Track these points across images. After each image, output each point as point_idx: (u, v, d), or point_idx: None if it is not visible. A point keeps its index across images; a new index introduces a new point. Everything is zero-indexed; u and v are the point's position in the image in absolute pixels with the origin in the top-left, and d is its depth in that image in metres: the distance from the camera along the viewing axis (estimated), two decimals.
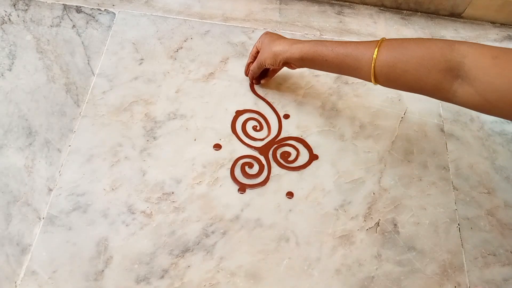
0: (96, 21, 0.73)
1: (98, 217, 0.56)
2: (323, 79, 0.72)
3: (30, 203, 0.56)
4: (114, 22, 0.73)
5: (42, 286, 0.51)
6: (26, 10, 0.72)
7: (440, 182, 0.65)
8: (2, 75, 0.66)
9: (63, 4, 0.74)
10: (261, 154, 0.64)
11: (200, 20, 0.76)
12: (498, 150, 0.69)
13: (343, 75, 0.71)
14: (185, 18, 0.76)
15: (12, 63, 0.67)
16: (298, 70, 0.68)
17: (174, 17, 0.76)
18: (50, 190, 0.57)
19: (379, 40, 0.52)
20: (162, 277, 0.53)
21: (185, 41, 0.73)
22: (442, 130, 0.70)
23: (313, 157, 0.64)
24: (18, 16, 0.72)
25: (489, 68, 0.44)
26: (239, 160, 0.62)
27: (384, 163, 0.65)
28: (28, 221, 0.55)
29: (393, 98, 0.72)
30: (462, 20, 0.85)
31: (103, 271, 0.53)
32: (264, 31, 0.76)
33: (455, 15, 0.85)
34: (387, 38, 0.53)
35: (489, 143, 0.70)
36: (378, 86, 0.55)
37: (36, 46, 0.69)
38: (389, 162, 0.65)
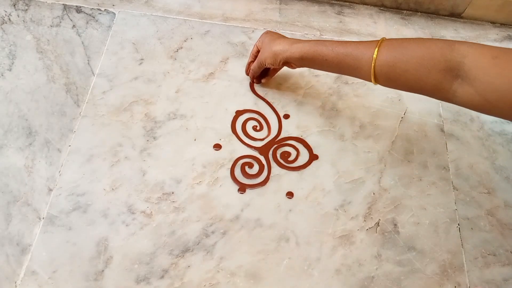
0: (96, 21, 0.73)
1: (98, 217, 0.56)
2: (323, 79, 0.72)
3: (30, 203, 0.56)
4: (114, 22, 0.73)
5: (42, 286, 0.51)
6: (26, 10, 0.72)
7: (440, 182, 0.65)
8: (2, 75, 0.66)
9: (63, 4, 0.74)
10: (261, 154, 0.64)
11: (200, 20, 0.76)
12: (498, 150, 0.69)
13: (343, 75, 0.71)
14: (185, 18, 0.76)
15: (12, 63, 0.67)
16: (298, 70, 0.68)
17: (174, 17, 0.76)
18: (50, 190, 0.57)
19: (379, 40, 0.52)
20: (162, 277, 0.53)
21: (185, 41, 0.73)
22: (442, 130, 0.70)
23: (313, 157, 0.64)
24: (18, 16, 0.72)
25: (489, 68, 0.44)
26: (239, 160, 0.62)
27: (384, 163, 0.65)
28: (28, 221, 0.55)
29: (393, 98, 0.72)
30: (462, 20, 0.85)
31: (103, 271, 0.53)
32: (264, 31, 0.76)
33: (455, 15, 0.85)
34: (387, 38, 0.53)
35: (489, 143, 0.70)
36: (378, 86, 0.55)
37: (36, 46, 0.69)
38: (389, 162, 0.65)
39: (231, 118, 0.66)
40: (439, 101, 0.70)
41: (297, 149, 0.65)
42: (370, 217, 0.61)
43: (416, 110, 0.71)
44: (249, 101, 0.68)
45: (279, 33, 0.65)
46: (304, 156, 0.64)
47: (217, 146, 0.63)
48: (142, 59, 0.70)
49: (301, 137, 0.66)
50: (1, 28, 0.70)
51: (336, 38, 0.78)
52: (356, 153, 0.66)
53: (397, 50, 0.50)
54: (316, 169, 0.63)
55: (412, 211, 0.62)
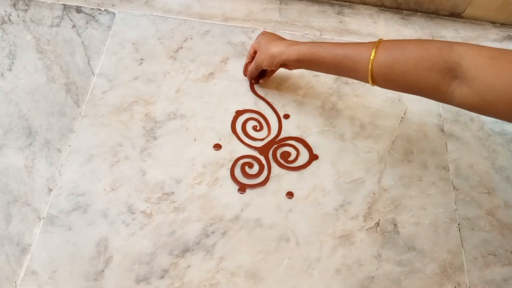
0: (96, 21, 0.73)
1: (98, 217, 0.56)
2: (323, 79, 0.72)
3: (30, 203, 0.56)
4: (114, 22, 0.73)
5: (42, 286, 0.51)
6: (26, 10, 0.72)
7: (440, 182, 0.65)
8: (2, 75, 0.66)
9: (63, 4, 0.74)
10: (261, 154, 0.64)
11: (200, 20, 0.76)
12: (498, 150, 0.69)
13: None
14: (185, 18, 0.76)
15: (12, 63, 0.67)
16: (298, 70, 0.68)
17: (174, 17, 0.76)
18: (50, 190, 0.57)
19: (376, 41, 0.52)
20: (162, 277, 0.53)
21: (185, 41, 0.73)
22: (442, 130, 0.70)
23: (313, 157, 0.64)
24: (18, 16, 0.72)
25: (487, 68, 0.44)
26: (239, 160, 0.62)
27: (384, 163, 0.65)
28: (28, 221, 0.55)
29: (393, 98, 0.72)
30: (462, 20, 0.85)
31: (103, 271, 0.53)
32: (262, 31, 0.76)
33: (455, 15, 0.85)
34: (386, 38, 0.52)
35: (489, 143, 0.70)
36: None
37: (36, 46, 0.69)
38: (389, 162, 0.65)
39: (231, 118, 0.66)
40: None
41: (297, 149, 0.65)
42: (370, 217, 0.61)
43: (416, 110, 0.71)
44: (249, 101, 0.68)
45: (276, 33, 0.65)
46: (304, 156, 0.64)
47: (217, 146, 0.63)
48: (142, 59, 0.70)
49: (301, 137, 0.66)
50: (1, 28, 0.70)
51: (336, 38, 0.78)
52: (356, 153, 0.66)
53: (395, 51, 0.50)
54: (316, 169, 0.63)
55: (412, 211, 0.62)
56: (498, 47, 0.46)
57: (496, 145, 0.70)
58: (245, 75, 0.70)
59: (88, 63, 0.68)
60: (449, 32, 0.83)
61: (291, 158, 0.64)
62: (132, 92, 0.66)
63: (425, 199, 0.63)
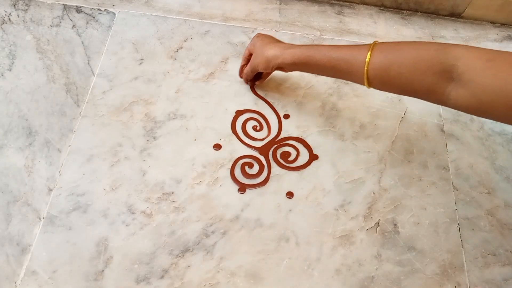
0: (96, 21, 0.73)
1: (98, 217, 0.56)
2: (323, 79, 0.72)
3: (30, 203, 0.56)
4: (114, 22, 0.73)
5: (42, 286, 0.51)
6: (26, 10, 0.72)
7: (440, 182, 0.65)
8: (2, 75, 0.66)
9: (63, 4, 0.74)
10: (261, 154, 0.64)
11: (200, 20, 0.76)
12: (498, 150, 0.69)
13: None
14: (185, 18, 0.76)
15: (12, 63, 0.67)
16: None
17: (174, 17, 0.76)
18: (50, 190, 0.57)
19: (371, 44, 0.52)
20: (162, 277, 0.53)
21: (185, 41, 0.73)
22: (442, 130, 0.70)
23: (313, 157, 0.64)
24: (18, 16, 0.72)
25: (483, 70, 0.44)
26: (239, 160, 0.62)
27: (384, 163, 0.65)
28: (28, 221, 0.55)
29: (393, 98, 0.72)
30: (462, 20, 0.85)
31: (103, 271, 0.53)
32: (264, 31, 0.76)
33: (455, 15, 0.85)
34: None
35: (489, 143, 0.70)
36: None
37: (36, 46, 0.69)
38: (389, 162, 0.65)
39: (231, 118, 0.66)
40: None
41: (297, 149, 0.65)
42: (370, 217, 0.61)
43: (416, 110, 0.71)
44: (249, 101, 0.68)
45: (271, 35, 0.65)
46: (304, 156, 0.64)
47: (217, 146, 0.63)
48: (142, 59, 0.70)
49: (301, 137, 0.66)
50: (1, 28, 0.70)
51: (336, 38, 0.78)
52: (356, 153, 0.66)
53: (390, 53, 0.50)
54: (316, 169, 0.63)
55: (412, 211, 0.62)
56: (498, 47, 0.46)
57: (496, 145, 0.70)
58: (241, 77, 0.70)
59: (88, 63, 0.68)
60: (449, 32, 0.83)
61: (291, 158, 0.64)
62: (132, 92, 0.66)
63: (425, 199, 0.63)
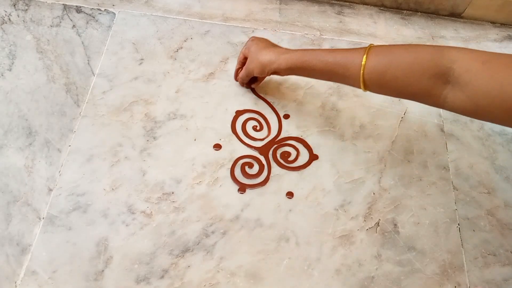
0: (96, 21, 0.73)
1: (98, 217, 0.56)
2: None
3: (30, 203, 0.56)
4: (114, 22, 0.73)
5: (42, 286, 0.51)
6: (26, 10, 0.72)
7: (440, 182, 0.65)
8: (2, 75, 0.66)
9: (63, 4, 0.74)
10: (261, 154, 0.64)
11: (200, 20, 0.76)
12: (498, 150, 0.69)
13: None
14: (185, 18, 0.76)
15: (12, 63, 0.67)
16: None
17: (174, 17, 0.76)
18: (50, 190, 0.57)
19: (367, 47, 0.52)
20: (162, 277, 0.53)
21: (185, 41, 0.73)
22: (442, 130, 0.70)
23: (313, 157, 0.64)
24: (18, 16, 0.72)
25: (480, 72, 0.44)
26: (239, 160, 0.62)
27: (384, 163, 0.65)
28: (28, 221, 0.55)
29: (393, 98, 0.72)
30: (462, 20, 0.85)
31: (103, 271, 0.53)
32: (264, 31, 0.76)
33: (455, 15, 0.85)
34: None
35: (489, 143, 0.70)
36: None
37: (36, 46, 0.69)
38: (389, 162, 0.65)
39: (231, 118, 0.66)
40: None
41: (297, 149, 0.65)
42: (370, 217, 0.61)
43: (416, 110, 0.71)
44: (249, 101, 0.68)
45: (266, 38, 0.64)
46: (304, 156, 0.64)
47: (217, 146, 0.63)
48: (142, 59, 0.70)
49: (301, 137, 0.66)
50: (1, 28, 0.70)
51: (336, 38, 0.78)
52: (356, 153, 0.66)
53: (386, 56, 0.50)
54: (316, 169, 0.63)
55: (412, 211, 0.62)
56: (498, 47, 0.46)
57: (496, 145, 0.70)
58: (236, 80, 0.69)
59: (88, 63, 0.68)
60: (449, 32, 0.83)
61: (291, 158, 0.64)
62: (132, 92, 0.66)
63: (425, 199, 0.63)
